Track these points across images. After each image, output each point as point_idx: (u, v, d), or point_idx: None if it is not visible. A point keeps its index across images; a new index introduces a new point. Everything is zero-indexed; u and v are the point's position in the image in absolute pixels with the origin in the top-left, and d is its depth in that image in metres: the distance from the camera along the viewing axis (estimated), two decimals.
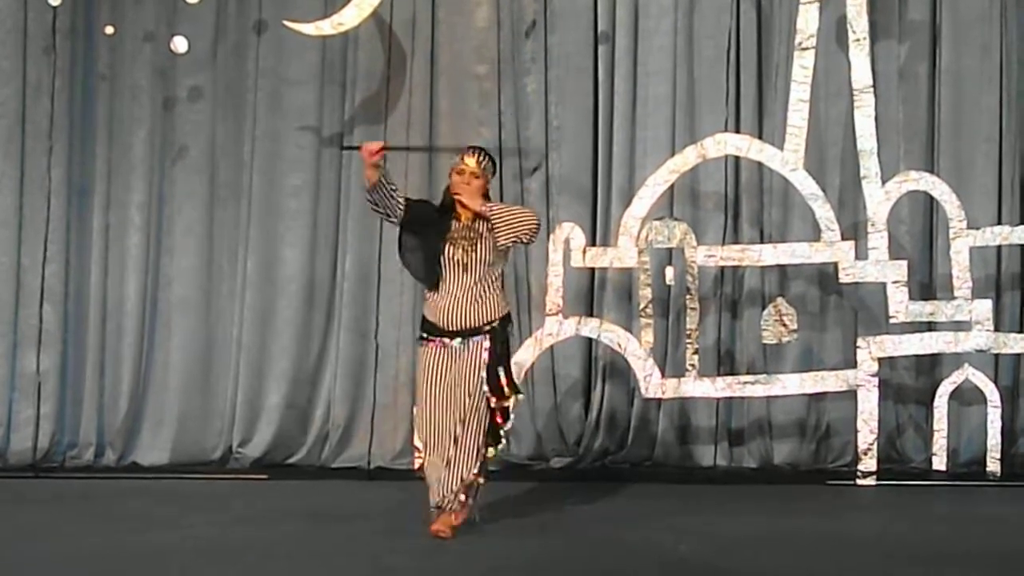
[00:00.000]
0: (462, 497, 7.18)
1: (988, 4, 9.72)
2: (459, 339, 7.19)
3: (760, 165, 9.53)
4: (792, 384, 9.25)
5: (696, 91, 9.79)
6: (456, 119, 9.86)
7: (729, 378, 9.36)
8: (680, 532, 7.20)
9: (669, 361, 9.60)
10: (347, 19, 9.38)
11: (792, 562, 6.58)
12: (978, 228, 9.27)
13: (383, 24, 9.73)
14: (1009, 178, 9.70)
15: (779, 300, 9.41)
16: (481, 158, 7.41)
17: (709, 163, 9.48)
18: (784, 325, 9.31)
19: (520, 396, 7.38)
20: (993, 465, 9.15)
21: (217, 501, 8.39)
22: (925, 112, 9.80)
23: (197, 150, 9.88)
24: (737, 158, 9.57)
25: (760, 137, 9.55)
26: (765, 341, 9.41)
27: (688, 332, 9.24)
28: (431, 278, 7.25)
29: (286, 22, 9.52)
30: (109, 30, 9.59)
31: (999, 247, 9.51)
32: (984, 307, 9.15)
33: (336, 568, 6.54)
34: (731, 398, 9.48)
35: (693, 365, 9.21)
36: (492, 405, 7.20)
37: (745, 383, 9.26)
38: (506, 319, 7.34)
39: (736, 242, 9.61)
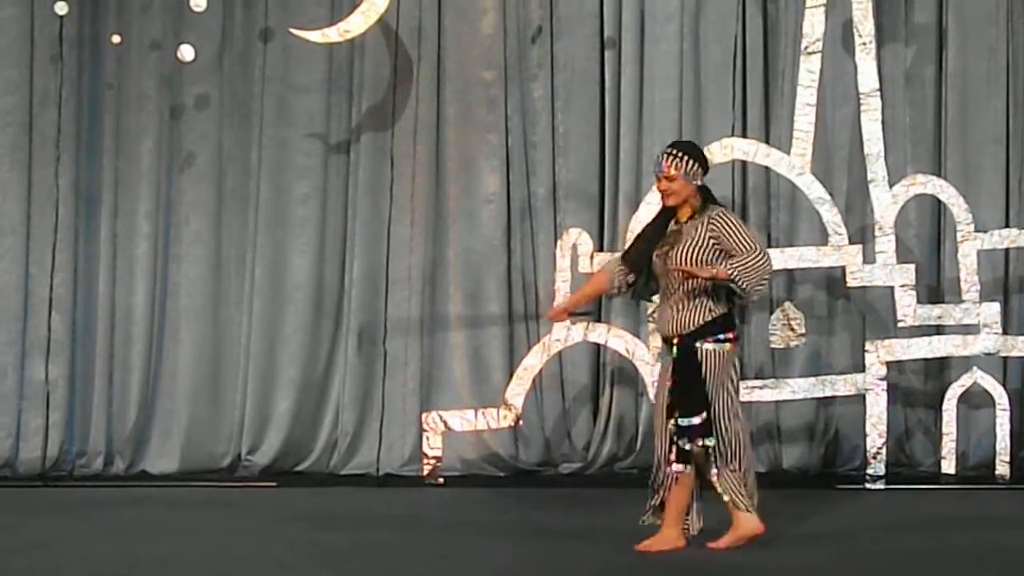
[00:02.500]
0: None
1: (995, 6, 9.71)
2: None
3: (767, 169, 9.53)
4: (801, 388, 9.25)
5: (702, 96, 9.79)
6: (463, 126, 9.87)
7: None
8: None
9: None
10: (353, 26, 9.37)
11: (802, 566, 6.56)
12: (986, 231, 9.26)
13: (389, 31, 9.74)
14: (1016, 181, 9.70)
15: (787, 304, 9.40)
16: (674, 156, 6.69)
17: (716, 168, 9.39)
18: (792, 329, 9.30)
19: None
20: (1002, 468, 9.15)
21: (226, 509, 8.39)
22: (932, 115, 9.80)
23: (204, 158, 9.88)
24: (744, 163, 9.57)
25: (767, 141, 9.54)
26: (773, 345, 9.41)
27: None
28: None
29: (292, 30, 9.52)
30: (116, 39, 9.58)
31: (1007, 250, 9.50)
32: (992, 310, 9.13)
33: None
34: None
35: None
36: None
37: (753, 387, 9.23)
38: None
39: None
